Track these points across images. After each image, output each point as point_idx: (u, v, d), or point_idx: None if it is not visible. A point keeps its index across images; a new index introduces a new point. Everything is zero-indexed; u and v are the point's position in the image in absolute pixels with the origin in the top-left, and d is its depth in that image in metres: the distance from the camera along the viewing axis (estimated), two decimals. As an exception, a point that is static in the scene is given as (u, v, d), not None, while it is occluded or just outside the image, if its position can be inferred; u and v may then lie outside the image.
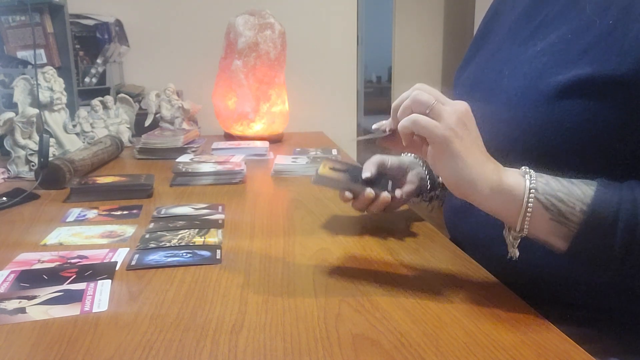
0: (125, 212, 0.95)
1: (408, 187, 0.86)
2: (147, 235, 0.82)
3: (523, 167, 0.58)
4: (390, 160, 0.86)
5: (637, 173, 0.58)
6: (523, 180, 0.56)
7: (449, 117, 0.56)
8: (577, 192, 0.54)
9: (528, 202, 0.55)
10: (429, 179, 0.89)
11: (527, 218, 0.55)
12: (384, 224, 0.88)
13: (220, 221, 0.89)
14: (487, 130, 0.68)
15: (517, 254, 0.59)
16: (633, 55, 0.55)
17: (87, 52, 1.88)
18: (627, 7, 0.58)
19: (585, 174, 0.58)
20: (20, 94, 1.33)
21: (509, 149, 0.64)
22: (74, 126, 1.47)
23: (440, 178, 0.91)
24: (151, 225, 0.87)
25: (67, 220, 0.92)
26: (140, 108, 1.75)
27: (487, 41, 0.80)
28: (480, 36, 0.83)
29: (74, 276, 0.67)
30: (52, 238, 0.82)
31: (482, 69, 0.76)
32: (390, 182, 0.85)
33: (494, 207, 0.57)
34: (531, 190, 0.55)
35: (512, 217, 0.56)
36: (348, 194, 0.80)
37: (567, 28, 0.63)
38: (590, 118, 0.58)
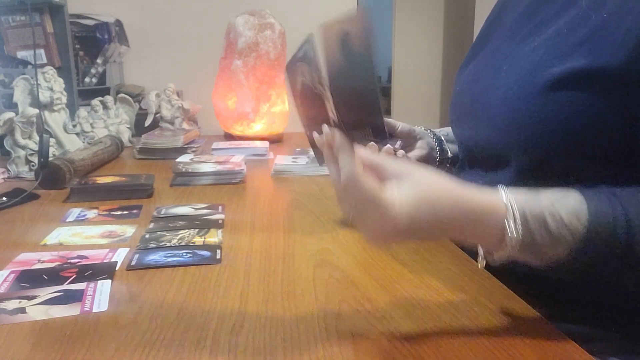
0: (125, 212, 0.95)
1: (417, 152, 0.88)
2: (147, 235, 0.82)
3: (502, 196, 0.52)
4: (401, 125, 0.88)
5: (632, 165, 0.58)
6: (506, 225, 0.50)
7: (376, 231, 0.51)
8: (570, 226, 0.50)
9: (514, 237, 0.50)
10: (438, 150, 0.90)
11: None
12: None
13: (220, 221, 0.89)
14: (485, 125, 0.68)
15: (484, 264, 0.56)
16: (626, 48, 0.55)
17: (87, 52, 1.88)
18: (622, 1, 0.58)
19: (581, 166, 0.59)
20: (20, 94, 1.33)
21: (506, 143, 0.64)
22: (74, 126, 1.47)
23: (450, 152, 0.90)
24: (151, 225, 0.87)
25: (67, 220, 0.92)
26: (140, 108, 1.75)
27: (489, 40, 0.80)
28: (483, 35, 0.83)
29: (74, 276, 0.67)
30: (52, 238, 0.82)
31: (482, 66, 0.77)
32: (398, 142, 0.85)
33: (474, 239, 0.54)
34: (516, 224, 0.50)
35: (495, 246, 0.52)
36: None
37: (563, 22, 0.64)
38: (584, 110, 0.58)
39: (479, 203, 0.51)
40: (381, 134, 0.58)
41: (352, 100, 0.56)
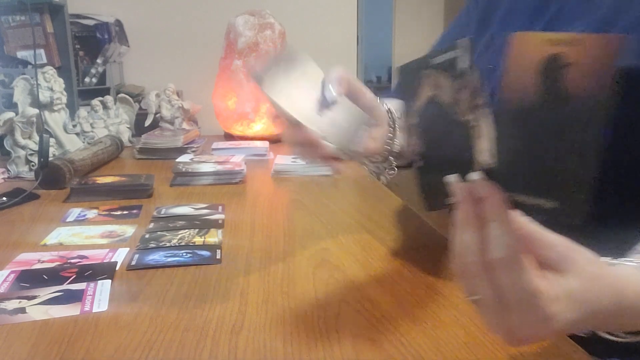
0: (125, 212, 0.95)
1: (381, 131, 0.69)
2: (147, 235, 0.82)
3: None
4: (368, 95, 0.68)
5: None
6: None
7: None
8: None
9: None
10: (393, 151, 0.72)
11: None
12: (384, 224, 0.88)
13: (220, 221, 0.89)
14: None
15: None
16: None
17: (87, 52, 1.88)
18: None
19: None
20: (20, 94, 1.33)
21: None
22: (74, 126, 1.47)
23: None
24: (151, 225, 0.87)
25: (67, 220, 0.91)
26: (140, 108, 1.75)
27: (487, 28, 0.76)
28: (480, 19, 0.79)
29: (74, 276, 0.67)
30: (52, 238, 0.82)
31: (480, 62, 0.75)
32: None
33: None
34: None
35: None
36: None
37: (582, 26, 0.62)
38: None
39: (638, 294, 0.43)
40: (576, 214, 0.36)
41: (538, 159, 0.37)
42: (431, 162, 0.44)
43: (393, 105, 0.72)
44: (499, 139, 0.37)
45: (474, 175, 0.38)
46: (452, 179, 0.39)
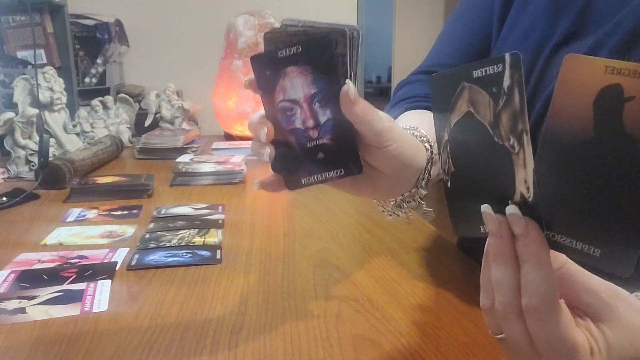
0: (125, 212, 0.95)
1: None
2: (147, 235, 0.82)
3: None
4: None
5: None
6: None
7: None
8: None
9: None
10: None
11: None
12: (384, 224, 0.88)
13: (220, 221, 0.89)
14: None
15: None
16: None
17: (87, 52, 1.88)
18: None
19: None
20: (20, 94, 1.33)
21: None
22: (74, 126, 1.47)
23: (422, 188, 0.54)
24: (151, 225, 0.87)
25: (67, 220, 0.91)
26: (140, 108, 1.75)
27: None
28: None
29: (74, 276, 0.67)
30: (52, 238, 0.82)
31: None
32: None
33: None
34: None
35: None
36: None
37: (611, 26, 0.57)
38: None
39: None
40: (621, 266, 0.33)
41: (585, 200, 0.33)
42: (462, 185, 0.39)
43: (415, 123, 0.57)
44: (542, 171, 0.34)
45: (511, 209, 0.34)
46: (485, 209, 0.36)
